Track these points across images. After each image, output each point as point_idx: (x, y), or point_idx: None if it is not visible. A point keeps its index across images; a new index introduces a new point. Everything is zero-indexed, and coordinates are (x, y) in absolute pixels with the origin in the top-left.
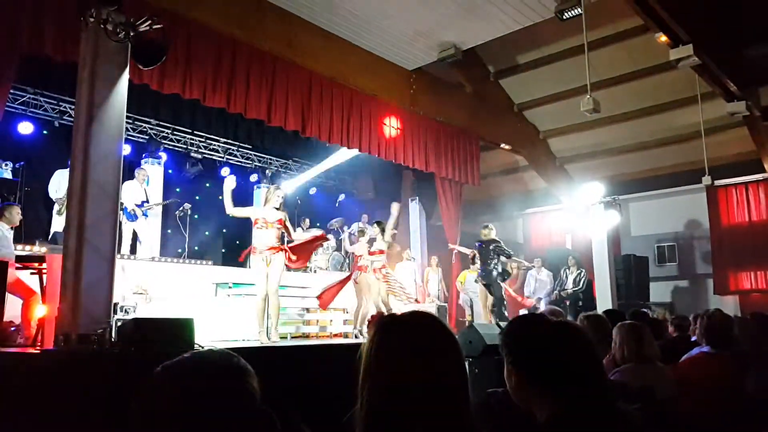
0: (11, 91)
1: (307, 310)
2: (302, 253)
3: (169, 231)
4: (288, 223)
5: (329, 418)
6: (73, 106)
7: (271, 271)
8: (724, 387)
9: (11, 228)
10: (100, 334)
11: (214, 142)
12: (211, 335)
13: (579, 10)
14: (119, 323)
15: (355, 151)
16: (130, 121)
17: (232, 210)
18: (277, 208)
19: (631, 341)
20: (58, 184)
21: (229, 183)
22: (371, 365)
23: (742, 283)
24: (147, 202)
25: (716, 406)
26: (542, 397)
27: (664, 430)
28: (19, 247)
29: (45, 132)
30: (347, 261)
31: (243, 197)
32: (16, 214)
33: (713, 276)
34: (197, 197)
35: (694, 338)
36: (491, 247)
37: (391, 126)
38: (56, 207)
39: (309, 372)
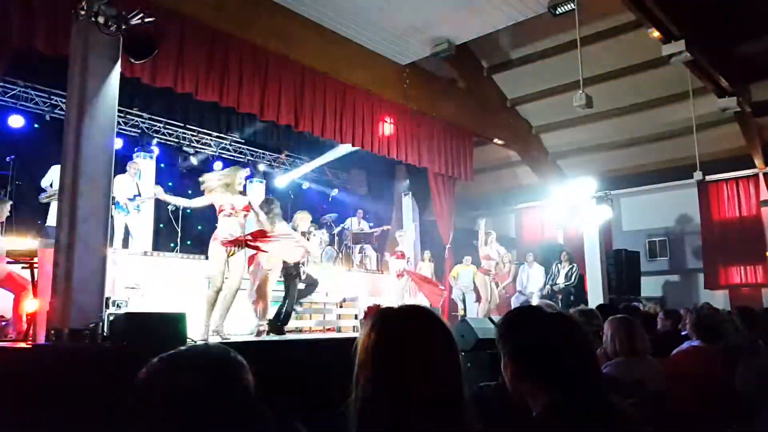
0: (1, 84)
1: (300, 304)
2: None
3: (161, 225)
4: (257, 208)
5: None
6: (64, 100)
7: (234, 265)
8: (714, 380)
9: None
10: (92, 329)
11: (206, 136)
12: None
13: (572, 5)
14: (111, 318)
15: (348, 146)
16: (122, 114)
17: (189, 203)
18: (242, 193)
19: (622, 335)
20: (52, 179)
21: (158, 191)
22: (367, 357)
23: (732, 277)
24: (139, 196)
25: (706, 400)
26: (538, 389)
27: (654, 423)
28: (11, 240)
29: (36, 125)
30: (340, 255)
31: None
32: (5, 210)
33: (704, 271)
34: (189, 191)
35: (685, 332)
36: None
37: (384, 121)
38: (42, 195)
39: (302, 366)
